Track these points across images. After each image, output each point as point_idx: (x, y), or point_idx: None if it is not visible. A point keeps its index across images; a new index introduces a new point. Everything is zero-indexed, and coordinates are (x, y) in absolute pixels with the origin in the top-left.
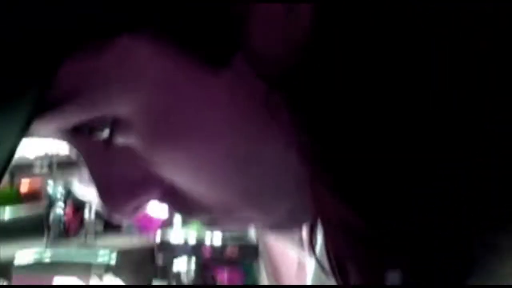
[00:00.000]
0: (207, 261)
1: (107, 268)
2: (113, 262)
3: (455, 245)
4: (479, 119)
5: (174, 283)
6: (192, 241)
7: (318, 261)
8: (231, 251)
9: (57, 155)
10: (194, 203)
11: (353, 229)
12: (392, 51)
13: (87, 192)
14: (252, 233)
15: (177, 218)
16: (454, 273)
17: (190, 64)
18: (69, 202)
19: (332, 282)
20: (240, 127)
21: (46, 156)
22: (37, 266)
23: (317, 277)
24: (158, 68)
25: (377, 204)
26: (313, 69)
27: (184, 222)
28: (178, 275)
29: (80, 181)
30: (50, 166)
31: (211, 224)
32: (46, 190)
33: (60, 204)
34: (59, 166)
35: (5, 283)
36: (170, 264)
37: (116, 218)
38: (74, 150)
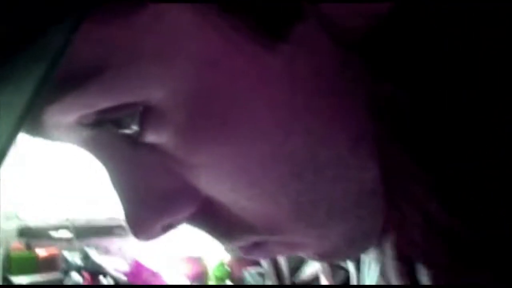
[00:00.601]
0: None
1: None
2: None
3: None
4: None
5: None
6: None
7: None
8: None
9: (76, 221)
10: (235, 221)
11: (452, 233)
12: (470, 30)
13: (104, 259)
14: None
15: None
16: None
17: (242, 36)
18: (86, 269)
19: None
20: (302, 115)
21: (64, 222)
22: None
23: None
24: (202, 39)
25: (482, 207)
26: (397, 39)
27: None
28: None
29: (98, 248)
30: (68, 232)
31: (249, 252)
32: (63, 256)
33: (78, 270)
34: (77, 232)
35: None
36: None
37: (143, 238)
38: (98, 154)
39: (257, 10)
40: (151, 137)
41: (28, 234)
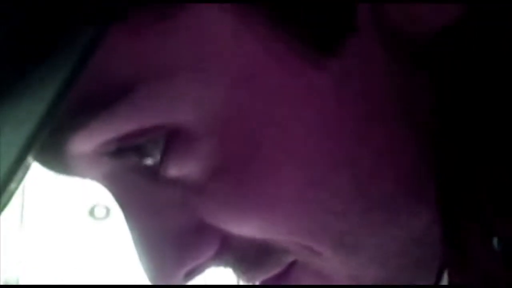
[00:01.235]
0: None
1: None
2: None
3: None
4: None
5: None
6: None
7: None
8: None
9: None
10: (265, 247)
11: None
12: None
13: None
14: None
15: None
16: None
17: (286, 49)
18: None
19: None
20: (349, 144)
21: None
22: None
23: None
24: (242, 51)
25: None
26: (462, 50)
27: None
28: None
29: None
30: None
31: (279, 279)
32: None
33: None
34: None
35: None
36: None
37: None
38: (115, 191)
39: (307, 20)
40: (173, 168)
41: None
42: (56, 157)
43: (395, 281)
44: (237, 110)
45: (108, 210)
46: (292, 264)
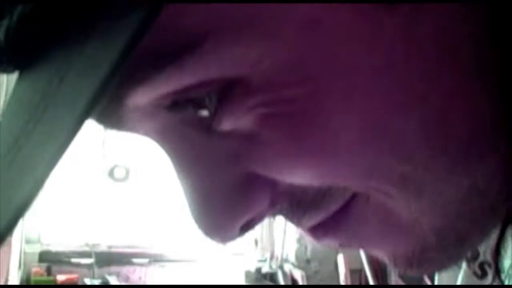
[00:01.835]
0: None
1: None
2: None
3: None
4: None
5: None
6: None
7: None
8: None
9: (97, 248)
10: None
11: None
12: None
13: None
14: None
15: None
16: None
17: None
18: None
19: None
20: (417, 87)
21: (86, 248)
22: None
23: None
24: None
25: None
26: None
27: None
28: None
29: (118, 276)
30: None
31: (341, 216)
32: (83, 283)
33: None
34: (98, 259)
35: None
36: None
37: (220, 241)
38: (169, 145)
39: None
40: (227, 120)
41: (49, 259)
42: (113, 110)
43: (451, 231)
44: (299, 58)
45: (127, 172)
46: (353, 197)
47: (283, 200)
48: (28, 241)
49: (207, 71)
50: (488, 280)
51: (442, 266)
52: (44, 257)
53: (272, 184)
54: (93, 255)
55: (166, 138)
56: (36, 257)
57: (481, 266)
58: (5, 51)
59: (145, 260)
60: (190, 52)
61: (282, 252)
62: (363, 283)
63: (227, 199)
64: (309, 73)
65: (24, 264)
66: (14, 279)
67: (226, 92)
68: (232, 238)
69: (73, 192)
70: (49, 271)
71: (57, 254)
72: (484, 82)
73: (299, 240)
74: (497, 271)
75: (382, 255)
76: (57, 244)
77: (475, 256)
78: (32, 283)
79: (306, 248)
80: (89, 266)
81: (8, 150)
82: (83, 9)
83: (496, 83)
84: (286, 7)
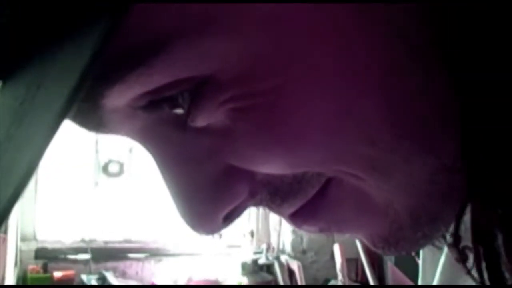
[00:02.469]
0: None
1: None
2: None
3: None
4: None
5: None
6: None
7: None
8: None
9: (93, 244)
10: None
11: None
12: None
13: (121, 283)
14: None
15: None
16: None
17: None
18: None
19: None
20: (384, 68)
21: (81, 244)
22: None
23: (448, 273)
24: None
25: None
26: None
27: None
28: None
29: (115, 271)
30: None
31: (318, 199)
32: (80, 279)
33: None
34: (95, 255)
35: None
36: None
37: (205, 232)
38: (149, 143)
39: None
40: (200, 117)
41: (45, 256)
42: (93, 112)
43: (423, 210)
44: (264, 53)
45: (121, 166)
46: (328, 182)
47: (261, 190)
48: (23, 239)
49: (176, 70)
50: (469, 264)
51: (418, 245)
52: (40, 254)
53: (250, 175)
54: (89, 251)
55: (146, 138)
56: (32, 255)
57: (463, 250)
58: None
59: (142, 255)
60: (157, 52)
61: (278, 243)
62: (359, 272)
63: (207, 192)
64: (275, 67)
65: (20, 262)
66: (11, 277)
67: (198, 90)
68: (217, 229)
69: (67, 189)
70: (45, 268)
71: (53, 251)
72: (439, 65)
73: (294, 231)
74: (477, 255)
75: (361, 237)
76: (53, 241)
77: (457, 241)
78: (28, 281)
79: (302, 238)
80: (85, 262)
81: None
82: (57, 18)
83: (447, 64)
84: (246, 5)
